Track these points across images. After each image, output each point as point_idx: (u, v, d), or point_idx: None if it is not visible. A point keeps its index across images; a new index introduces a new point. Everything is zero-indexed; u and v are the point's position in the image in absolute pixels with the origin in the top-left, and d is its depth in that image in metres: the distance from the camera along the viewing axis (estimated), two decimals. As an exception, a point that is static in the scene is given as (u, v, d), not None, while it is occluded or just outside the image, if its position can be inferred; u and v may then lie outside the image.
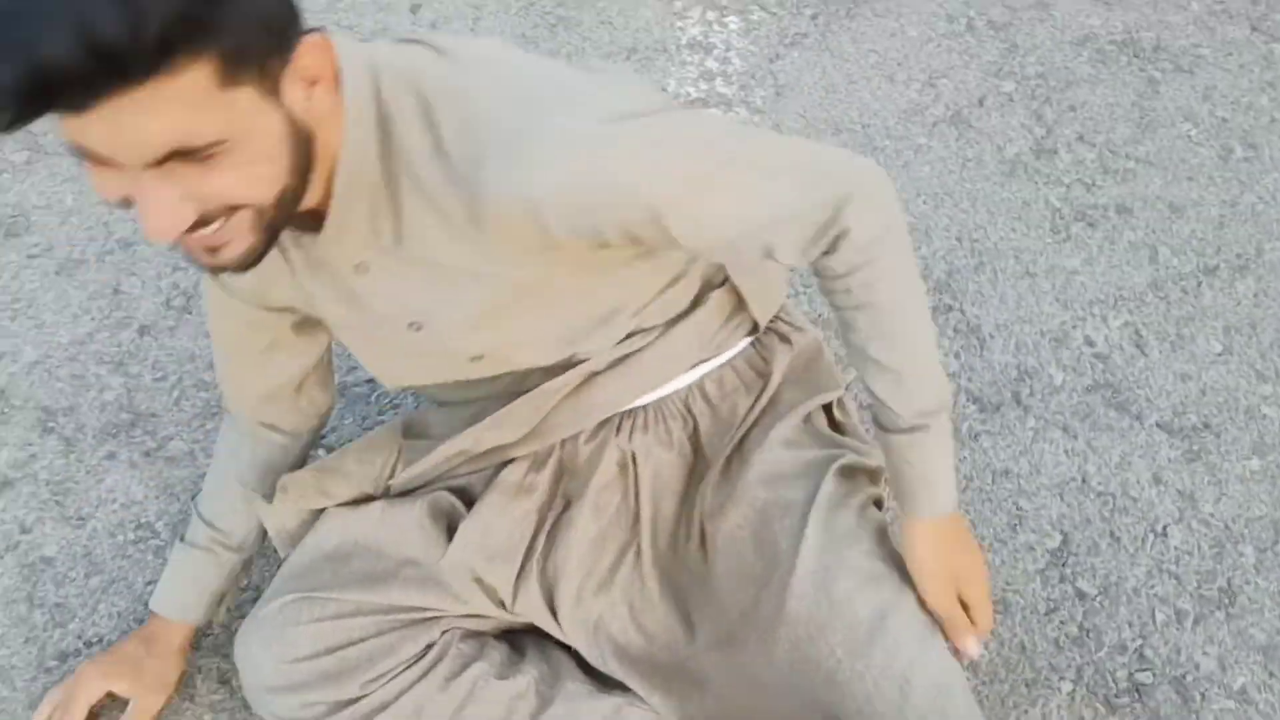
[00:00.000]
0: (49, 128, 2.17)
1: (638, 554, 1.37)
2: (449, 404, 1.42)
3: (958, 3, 2.27)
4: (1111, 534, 1.61)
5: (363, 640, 1.28)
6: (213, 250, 0.96)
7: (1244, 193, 1.96)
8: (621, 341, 1.30)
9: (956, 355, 1.79)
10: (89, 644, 1.56)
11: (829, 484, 1.29)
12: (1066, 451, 1.69)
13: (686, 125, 1.08)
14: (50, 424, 1.80)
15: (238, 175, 0.90)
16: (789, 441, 1.35)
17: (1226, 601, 1.54)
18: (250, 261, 0.99)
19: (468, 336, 1.21)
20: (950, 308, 1.84)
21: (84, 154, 0.87)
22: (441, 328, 1.20)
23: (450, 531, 1.35)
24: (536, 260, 1.12)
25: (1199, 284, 1.86)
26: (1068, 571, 1.58)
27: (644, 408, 1.38)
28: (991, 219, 1.95)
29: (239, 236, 0.95)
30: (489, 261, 1.11)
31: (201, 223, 0.93)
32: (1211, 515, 1.62)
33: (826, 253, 1.15)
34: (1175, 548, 1.60)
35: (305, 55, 0.93)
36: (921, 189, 1.99)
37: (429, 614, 1.32)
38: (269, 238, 0.98)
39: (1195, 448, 1.69)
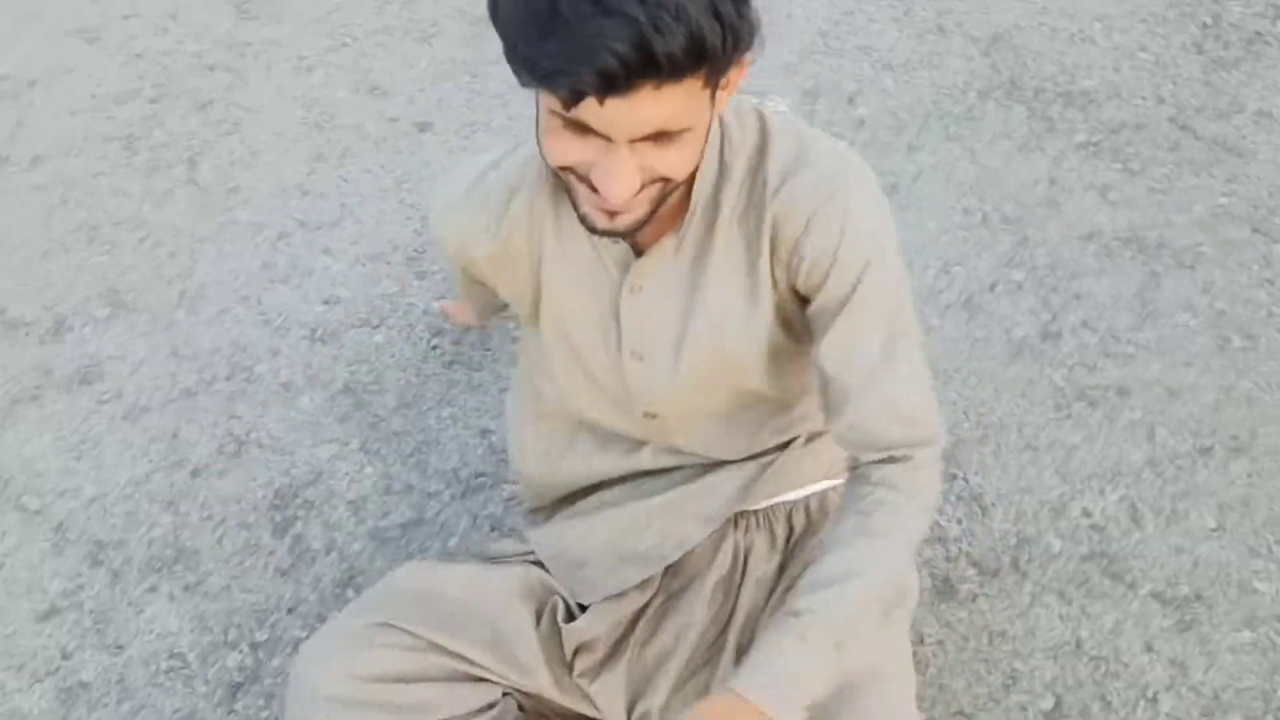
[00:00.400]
0: (136, 287, 2.37)
1: (720, 654, 1.45)
2: (556, 497, 1.58)
3: (974, 198, 2.43)
4: (1103, 698, 1.66)
5: (430, 680, 1.35)
6: (612, 215, 1.14)
7: (1240, 379, 2.05)
8: (756, 456, 1.46)
9: (959, 521, 1.87)
10: (116, 765, 1.65)
11: None
12: (1061, 616, 1.75)
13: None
14: (100, 556, 1.92)
15: (682, 155, 1.10)
16: None
17: (1216, 769, 1.58)
18: (634, 229, 1.16)
19: (668, 388, 1.36)
20: (955, 476, 1.93)
21: (572, 125, 1.05)
22: (657, 365, 1.34)
23: (538, 613, 1.45)
24: (767, 305, 1.29)
25: (1194, 463, 1.94)
26: (1059, 733, 1.62)
27: (758, 510, 1.51)
28: (997, 396, 2.05)
29: (640, 206, 1.14)
30: (741, 298, 1.28)
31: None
32: (1201, 684, 1.67)
33: (880, 461, 1.27)
34: (1165, 714, 1.64)
35: (737, 66, 1.11)
36: (932, 366, 2.08)
37: (492, 676, 1.39)
38: (653, 213, 1.16)
39: (1187, 618, 1.74)
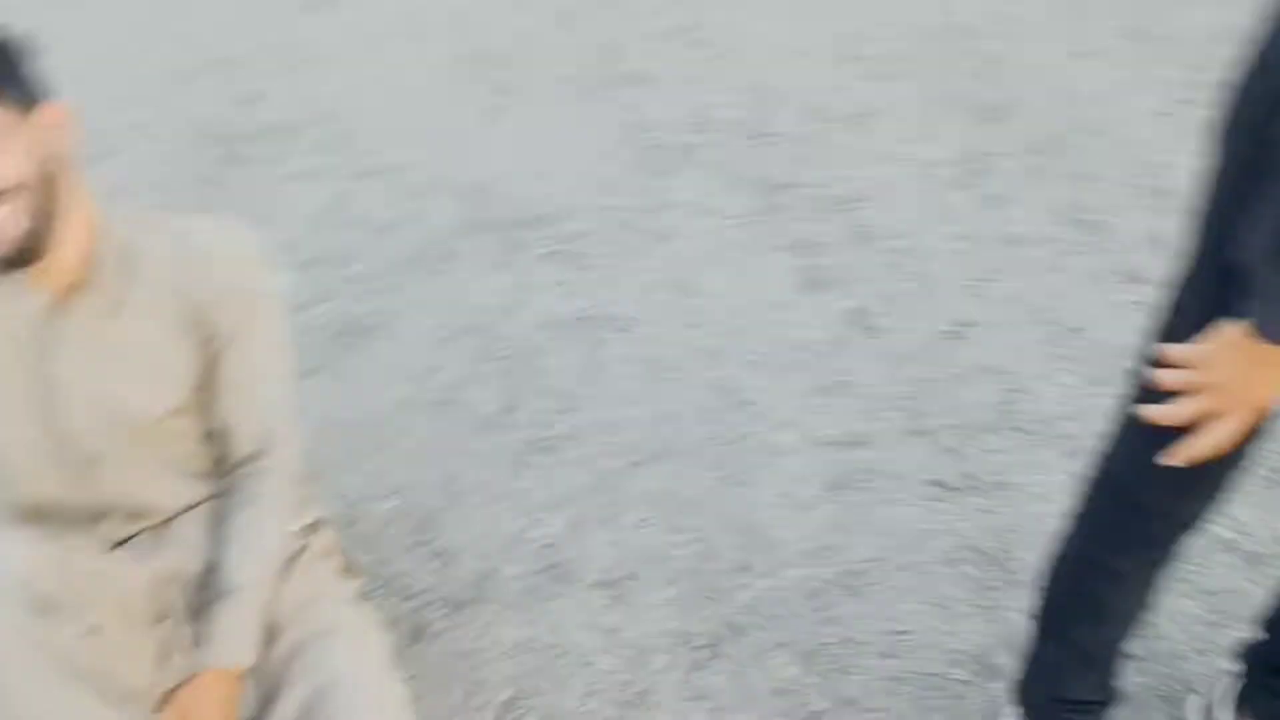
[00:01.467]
0: None
1: None
2: None
3: (447, 317, 2.77)
4: (554, 675, 1.90)
5: None
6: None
7: (667, 403, 2.41)
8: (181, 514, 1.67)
9: (431, 574, 2.11)
10: None
11: None
12: (518, 624, 1.99)
13: None
14: None
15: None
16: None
17: (639, 702, 1.83)
18: (29, 242, 1.38)
19: (104, 427, 1.55)
20: (427, 543, 2.18)
21: None
22: (87, 411, 1.53)
23: None
24: (192, 348, 1.55)
25: (629, 477, 2.25)
26: (518, 714, 1.84)
27: None
28: (465, 466, 2.33)
29: (16, 221, 1.36)
30: (161, 344, 1.53)
31: None
32: (632, 639, 1.93)
33: (251, 458, 1.62)
34: (604, 670, 1.89)
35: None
36: (420, 454, 2.38)
37: None
38: (42, 224, 1.39)
39: (620, 593, 2.02)
